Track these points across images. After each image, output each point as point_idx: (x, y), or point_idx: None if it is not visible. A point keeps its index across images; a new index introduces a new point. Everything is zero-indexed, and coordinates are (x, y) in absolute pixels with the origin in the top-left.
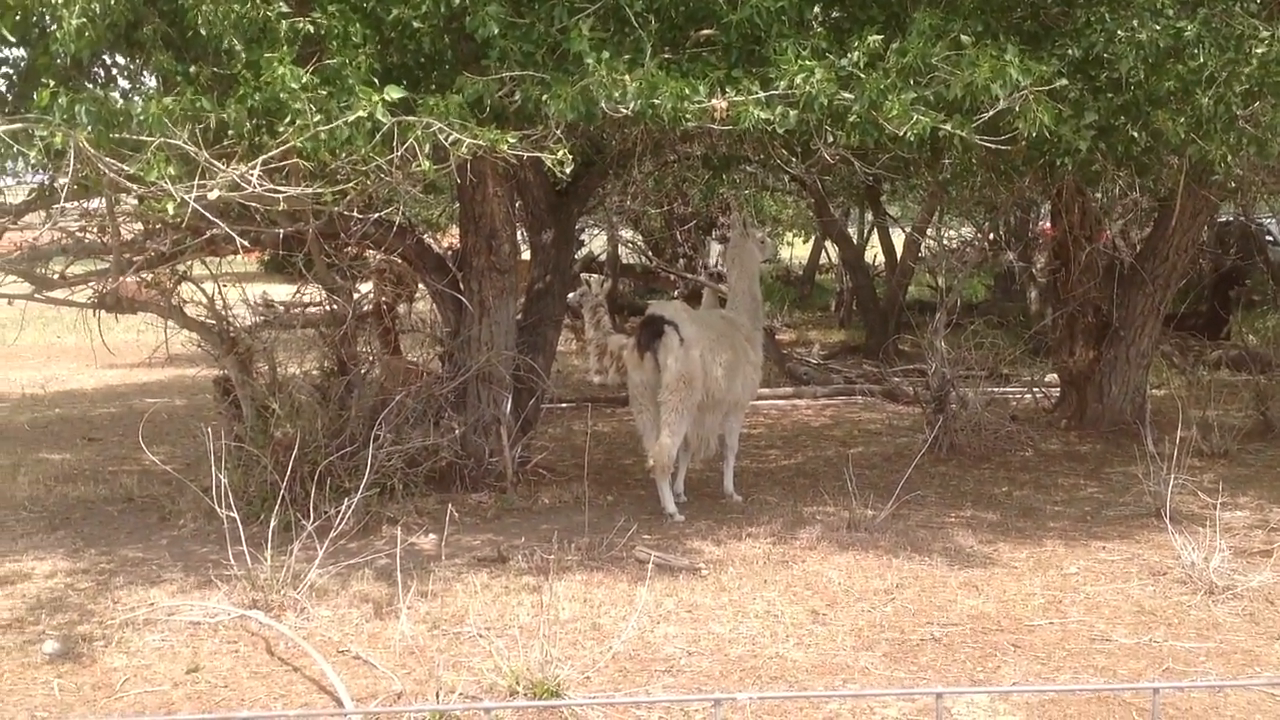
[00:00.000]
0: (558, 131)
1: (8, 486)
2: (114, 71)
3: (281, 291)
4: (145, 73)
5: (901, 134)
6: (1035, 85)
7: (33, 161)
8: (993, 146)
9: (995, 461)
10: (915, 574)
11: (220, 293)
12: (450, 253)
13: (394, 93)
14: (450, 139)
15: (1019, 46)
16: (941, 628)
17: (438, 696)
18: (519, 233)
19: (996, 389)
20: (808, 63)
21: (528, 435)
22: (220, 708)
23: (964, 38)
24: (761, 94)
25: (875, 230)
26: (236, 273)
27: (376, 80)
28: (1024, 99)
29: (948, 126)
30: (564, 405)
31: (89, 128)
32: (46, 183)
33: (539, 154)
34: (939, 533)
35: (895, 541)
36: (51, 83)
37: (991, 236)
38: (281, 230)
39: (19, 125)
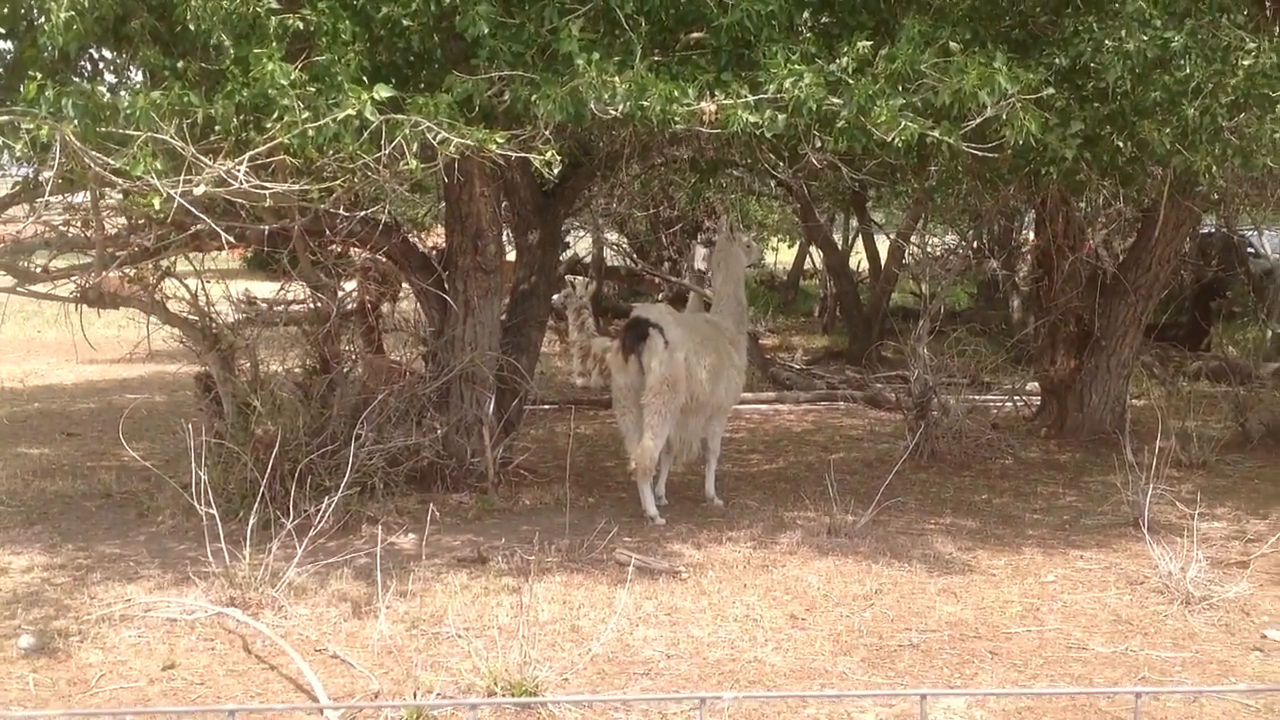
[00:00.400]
0: (546, 132)
1: None
2: (101, 66)
3: (264, 288)
4: (132, 67)
5: (889, 140)
6: (1023, 93)
7: (18, 154)
8: (979, 154)
9: (975, 469)
10: (894, 580)
11: (203, 289)
12: (435, 252)
13: (383, 91)
14: (439, 138)
15: (1007, 55)
16: (920, 634)
17: (415, 696)
18: (504, 233)
19: (978, 397)
20: (797, 67)
21: (510, 436)
22: (202, 702)
23: (953, 45)
24: (750, 98)
25: (860, 236)
26: (219, 269)
27: (365, 78)
28: (1011, 107)
29: (935, 133)
30: (547, 407)
31: (75, 121)
32: (31, 176)
33: (527, 154)
34: (919, 539)
35: (875, 547)
36: (39, 75)
37: (975, 244)
38: (267, 227)
39: (5, 118)
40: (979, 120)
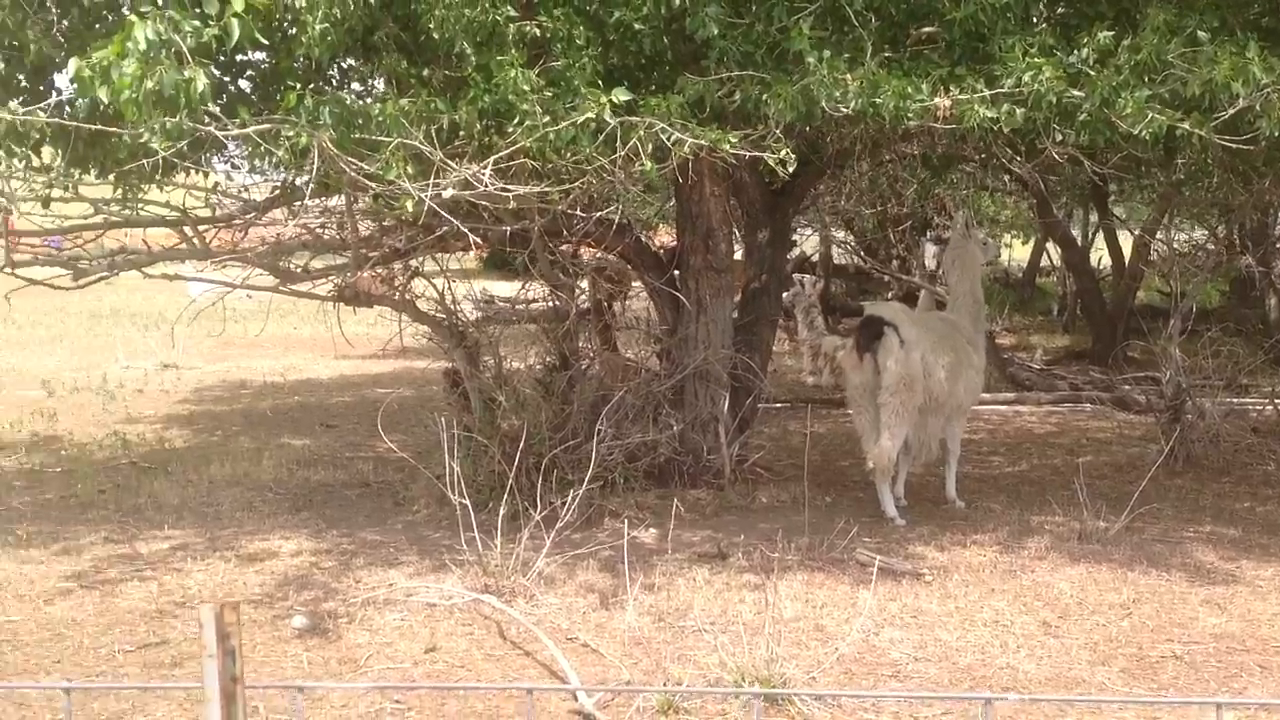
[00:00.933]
0: (777, 131)
1: (254, 469)
2: (349, 74)
3: (499, 288)
4: (375, 76)
5: (1135, 132)
6: (1278, 84)
7: (278, 160)
8: (1232, 146)
9: (1235, 475)
10: (1152, 589)
11: (449, 288)
12: (663, 251)
13: (620, 95)
14: (672, 139)
15: (1259, 43)
16: (1183, 645)
17: (665, 685)
18: (734, 232)
19: (1236, 399)
20: (1035, 60)
21: (745, 434)
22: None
23: (1200, 34)
24: (986, 92)
25: (1101, 232)
26: (457, 269)
27: (600, 82)
28: (1266, 97)
29: (1185, 125)
30: (779, 405)
31: (331, 128)
32: (289, 180)
33: (760, 154)
34: (1177, 547)
35: (1130, 555)
36: (296, 85)
37: (1227, 240)
38: (508, 228)
39: (268, 126)
40: (1232, 111)
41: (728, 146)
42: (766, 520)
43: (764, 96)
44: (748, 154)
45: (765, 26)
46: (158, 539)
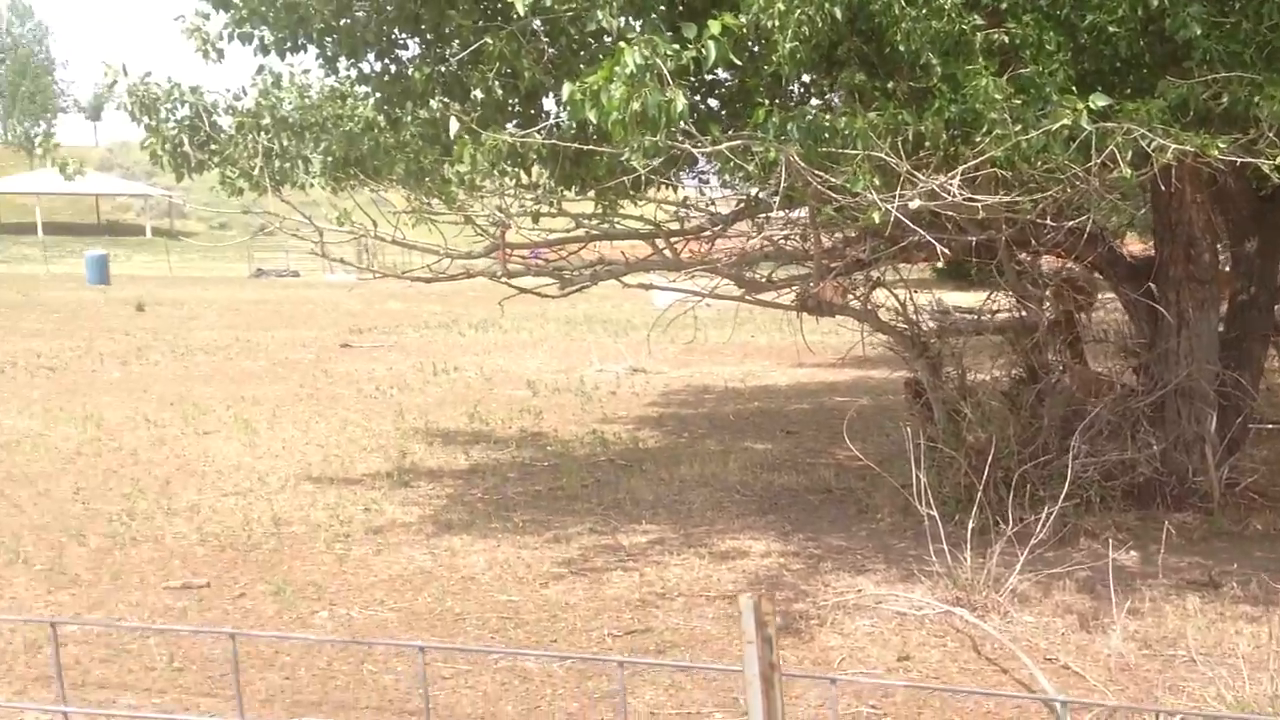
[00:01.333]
0: (1270, 134)
1: (721, 470)
2: (809, 89)
3: (953, 298)
4: (834, 90)
5: None
6: None
7: (745, 174)
8: None
9: None
10: None
11: (911, 298)
12: (1134, 260)
13: (1099, 100)
14: (1153, 145)
15: None
16: None
17: (1157, 717)
18: (1219, 242)
19: None
20: None
21: (1234, 455)
22: (934, 699)
23: None
24: None
25: None
26: (913, 280)
27: (1073, 88)
28: None
29: None
30: (1272, 426)
31: (799, 143)
32: (754, 194)
33: (1254, 159)
34: None
35: None
36: (764, 101)
37: None
38: (972, 238)
39: (739, 141)
40: None
41: (1216, 152)
42: (1263, 549)
43: (1255, 98)
44: (1240, 160)
45: (1254, 25)
46: (636, 532)
